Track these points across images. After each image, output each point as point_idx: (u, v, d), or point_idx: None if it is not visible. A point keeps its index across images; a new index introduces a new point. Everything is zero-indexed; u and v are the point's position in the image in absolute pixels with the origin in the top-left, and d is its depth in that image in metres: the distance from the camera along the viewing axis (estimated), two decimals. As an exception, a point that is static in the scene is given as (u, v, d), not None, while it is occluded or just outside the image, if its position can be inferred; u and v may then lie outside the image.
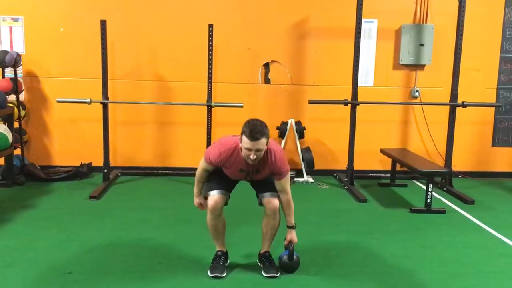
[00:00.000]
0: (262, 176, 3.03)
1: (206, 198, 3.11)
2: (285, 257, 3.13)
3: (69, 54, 5.52)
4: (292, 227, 3.11)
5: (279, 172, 2.97)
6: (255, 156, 2.79)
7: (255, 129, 2.75)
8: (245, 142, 2.78)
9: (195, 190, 3.19)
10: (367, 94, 5.51)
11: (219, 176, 3.11)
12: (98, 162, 5.33)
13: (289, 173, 3.07)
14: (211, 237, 3.20)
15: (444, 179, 5.49)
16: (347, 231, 4.02)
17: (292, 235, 3.11)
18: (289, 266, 3.13)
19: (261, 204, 3.11)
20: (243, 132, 2.80)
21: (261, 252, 3.23)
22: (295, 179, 5.54)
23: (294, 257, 3.12)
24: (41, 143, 5.69)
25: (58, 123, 5.65)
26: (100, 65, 5.06)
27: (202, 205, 3.20)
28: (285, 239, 3.14)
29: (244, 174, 3.00)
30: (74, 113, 5.55)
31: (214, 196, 3.03)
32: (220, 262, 3.14)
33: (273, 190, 3.06)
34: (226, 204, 3.09)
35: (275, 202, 3.05)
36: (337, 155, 5.88)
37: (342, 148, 5.56)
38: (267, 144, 2.85)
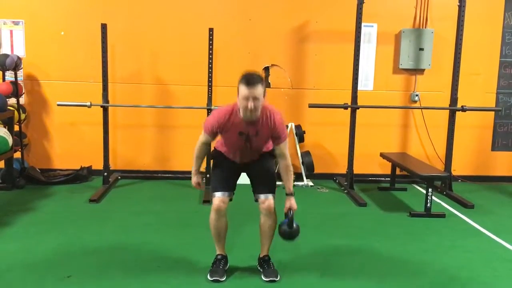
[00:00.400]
0: (261, 141, 2.99)
1: (210, 201, 3.13)
2: (284, 226, 3.07)
3: (69, 58, 5.53)
4: (291, 194, 3.08)
5: (278, 134, 2.97)
6: (252, 104, 2.78)
7: (251, 77, 2.81)
8: (242, 91, 2.79)
9: (194, 168, 3.16)
10: (367, 98, 5.51)
11: (221, 173, 3.10)
12: (98, 165, 5.33)
13: (287, 138, 3.09)
14: (213, 239, 3.19)
15: (443, 183, 5.49)
16: (347, 235, 4.02)
17: (292, 202, 3.07)
18: (288, 234, 3.07)
19: (256, 200, 3.11)
20: (239, 82, 2.83)
21: (261, 256, 3.23)
22: (295, 183, 5.54)
23: (294, 225, 3.06)
24: (41, 146, 5.70)
25: (58, 127, 5.66)
26: (101, 69, 5.07)
27: (200, 184, 3.19)
28: (284, 207, 3.09)
29: (244, 138, 2.96)
30: (74, 116, 5.55)
31: (219, 197, 3.03)
32: (220, 265, 3.14)
33: (269, 190, 3.07)
34: (230, 200, 3.10)
35: (270, 202, 3.05)
36: (337, 159, 5.88)
37: (342, 152, 5.56)
38: (264, 95, 2.86)
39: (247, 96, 2.78)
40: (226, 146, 3.09)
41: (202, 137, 3.07)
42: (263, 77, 2.85)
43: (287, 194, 3.09)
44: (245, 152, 3.07)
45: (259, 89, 2.79)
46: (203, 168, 5.19)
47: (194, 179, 3.18)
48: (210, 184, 3.17)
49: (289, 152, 3.12)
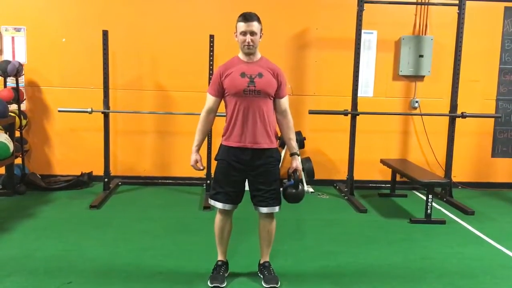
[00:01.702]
0: (266, 83, 2.93)
1: (210, 207, 3.10)
2: (290, 188, 3.04)
3: (70, 64, 5.55)
4: (296, 154, 3.08)
5: (282, 80, 3.00)
6: (250, 39, 2.88)
7: (248, 13, 2.93)
8: (240, 27, 2.90)
9: (194, 144, 3.08)
10: (367, 105, 5.53)
11: (226, 184, 3.00)
12: (99, 171, 5.34)
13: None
14: (215, 241, 3.18)
15: (444, 189, 5.49)
16: (347, 241, 4.02)
17: (297, 162, 3.07)
18: (295, 196, 3.05)
19: (256, 209, 3.09)
20: (237, 21, 2.93)
21: (261, 262, 3.23)
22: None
23: (299, 186, 3.03)
24: (42, 152, 5.71)
25: (59, 133, 5.67)
26: (102, 75, 5.09)
27: (198, 162, 3.06)
28: (289, 168, 3.07)
29: (248, 79, 2.92)
30: (75, 122, 5.57)
31: (225, 205, 3.02)
32: (220, 272, 3.14)
33: (268, 204, 3.01)
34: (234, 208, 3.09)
35: (271, 216, 3.07)
36: (337, 165, 5.89)
37: (342, 158, 5.57)
38: (261, 34, 2.96)
39: (245, 31, 2.89)
40: (231, 111, 2.96)
41: (206, 103, 3.05)
42: (259, 17, 2.97)
43: (291, 154, 3.09)
44: (251, 113, 2.92)
45: (255, 25, 2.90)
46: (203, 173, 5.20)
47: (193, 157, 3.05)
48: (210, 188, 3.10)
49: (289, 159, 3.12)
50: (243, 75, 2.93)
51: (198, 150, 3.09)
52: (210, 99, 3.04)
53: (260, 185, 3.00)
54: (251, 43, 2.90)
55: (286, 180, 3.15)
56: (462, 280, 3.32)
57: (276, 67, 3.04)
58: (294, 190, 3.04)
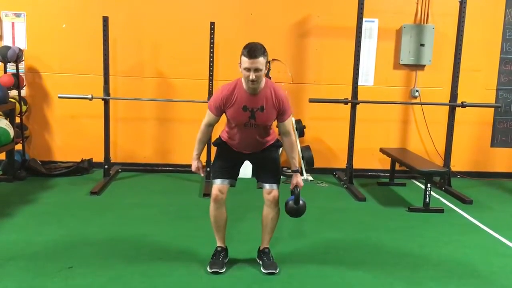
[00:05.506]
0: (267, 117, 2.95)
1: (210, 194, 3.13)
2: (291, 202, 3.10)
3: (71, 50, 5.54)
4: (297, 171, 3.11)
5: (284, 109, 2.97)
6: (254, 76, 2.79)
7: (253, 47, 2.81)
8: (244, 62, 2.81)
9: (195, 152, 3.14)
10: (367, 93, 5.53)
11: (223, 161, 3.12)
12: (99, 158, 5.35)
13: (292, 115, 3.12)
14: (212, 229, 3.21)
15: (442, 178, 5.51)
16: (346, 229, 4.05)
17: (298, 179, 3.10)
18: (295, 210, 3.10)
19: (260, 187, 3.15)
20: (242, 54, 2.83)
21: (261, 248, 3.25)
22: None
23: (300, 201, 3.09)
24: (42, 139, 5.72)
25: (59, 119, 5.68)
26: (102, 62, 5.08)
27: (200, 169, 3.16)
28: (291, 184, 3.13)
29: (249, 113, 2.93)
30: (76, 109, 5.57)
31: (217, 185, 3.06)
32: (220, 257, 3.16)
33: (273, 181, 3.09)
34: (233, 186, 3.13)
35: (275, 193, 3.08)
36: (336, 153, 5.91)
37: (342, 147, 5.58)
38: (266, 66, 2.88)
39: (249, 68, 2.80)
40: (231, 128, 3.05)
41: (206, 117, 3.06)
42: (265, 49, 2.86)
43: (293, 171, 3.11)
44: (249, 136, 3.02)
45: (260, 61, 2.80)
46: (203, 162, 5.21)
47: (194, 164, 3.15)
48: (211, 172, 3.16)
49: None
50: (245, 108, 2.93)
51: (198, 158, 3.17)
52: (210, 116, 3.04)
53: (263, 161, 3.12)
54: (255, 80, 2.82)
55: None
56: (459, 267, 3.35)
57: (279, 93, 2.96)
58: (295, 205, 3.10)
